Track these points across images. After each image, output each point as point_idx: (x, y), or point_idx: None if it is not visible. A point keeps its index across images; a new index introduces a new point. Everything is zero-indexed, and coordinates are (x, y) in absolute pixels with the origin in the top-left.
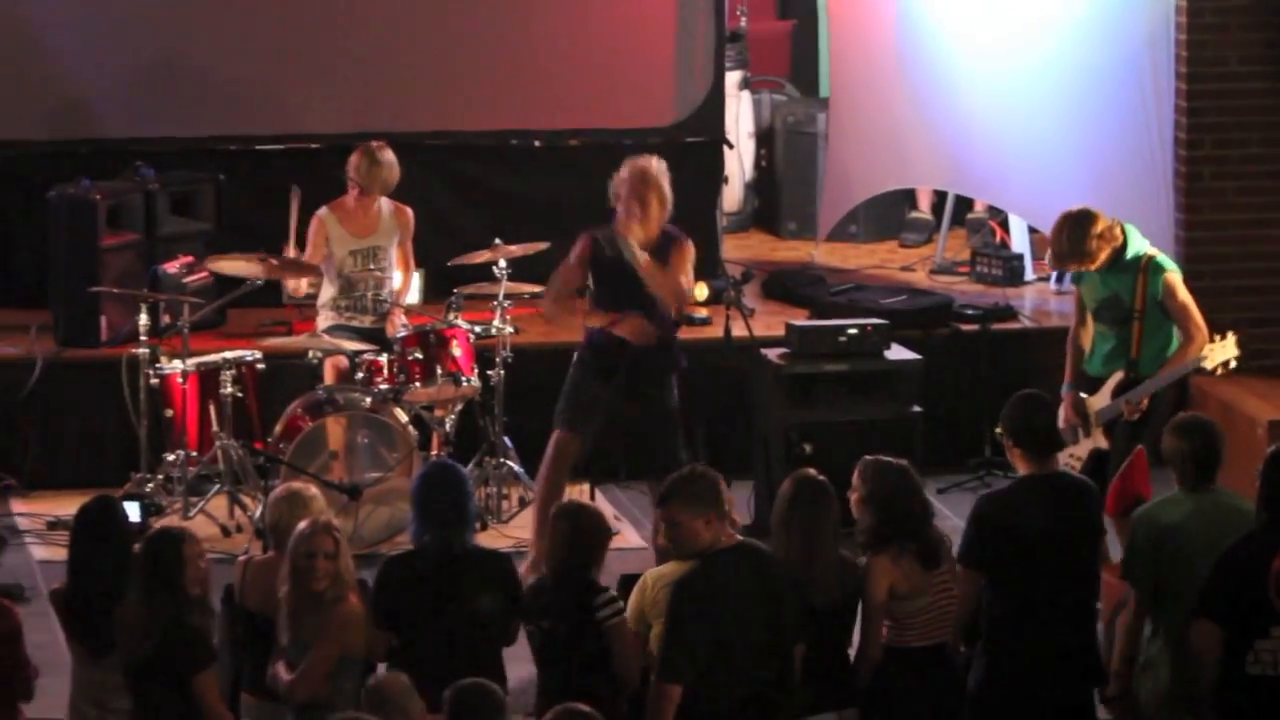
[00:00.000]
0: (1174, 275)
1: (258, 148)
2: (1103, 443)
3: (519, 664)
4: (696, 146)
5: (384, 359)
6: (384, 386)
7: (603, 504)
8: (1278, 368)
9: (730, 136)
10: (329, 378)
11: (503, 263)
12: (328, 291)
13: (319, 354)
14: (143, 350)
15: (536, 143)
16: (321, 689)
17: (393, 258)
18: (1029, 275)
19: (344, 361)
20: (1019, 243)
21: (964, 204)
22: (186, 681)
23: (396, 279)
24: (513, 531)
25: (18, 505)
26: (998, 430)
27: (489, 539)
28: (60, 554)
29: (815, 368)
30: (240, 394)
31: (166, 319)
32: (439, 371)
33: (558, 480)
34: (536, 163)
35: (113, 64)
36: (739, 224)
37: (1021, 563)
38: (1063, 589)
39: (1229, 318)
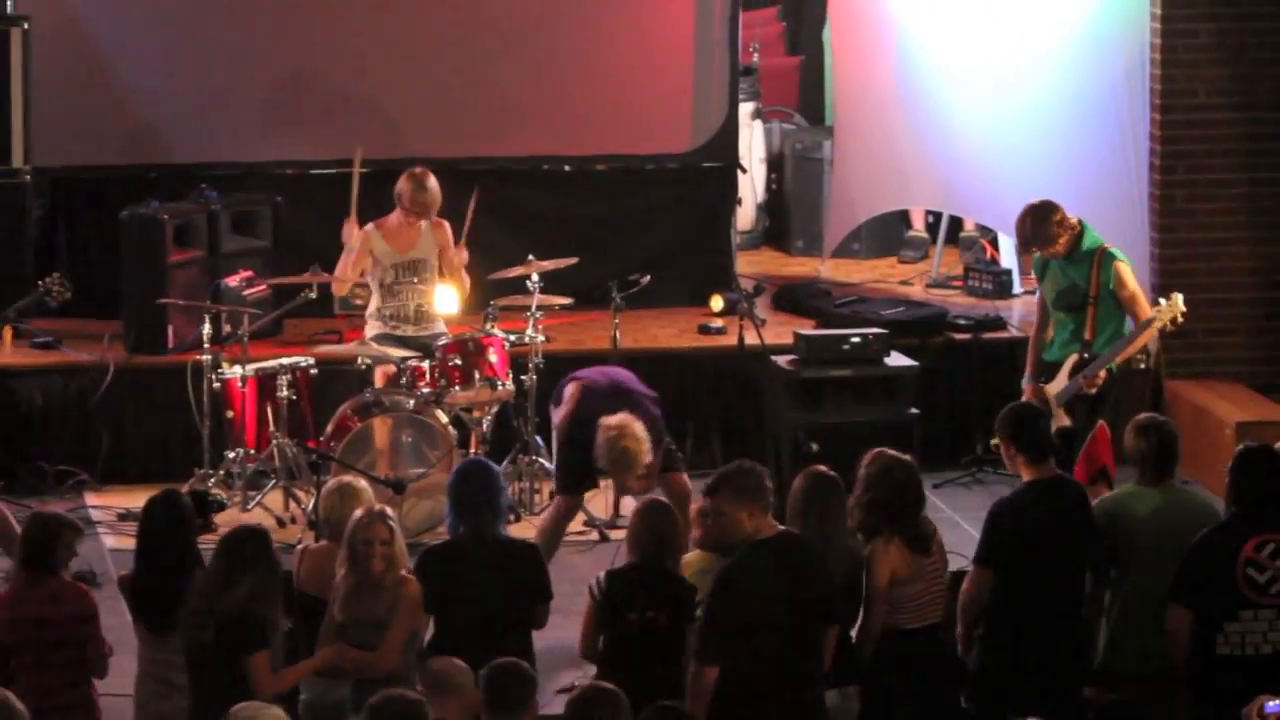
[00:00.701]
0: (1124, 265)
1: (311, 171)
2: (1065, 421)
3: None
4: (712, 171)
5: (426, 365)
6: (426, 390)
7: (625, 500)
8: (1243, 374)
9: (743, 162)
10: (376, 382)
11: (535, 277)
12: (374, 302)
13: (367, 360)
14: (206, 357)
15: (566, 167)
16: (402, 664)
17: (433, 270)
18: (1017, 289)
19: (390, 367)
20: (1007, 259)
21: (956, 223)
22: (241, 662)
23: (443, 293)
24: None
25: (91, 498)
26: (994, 442)
27: (521, 530)
28: (129, 543)
29: (821, 373)
30: (295, 397)
31: (228, 328)
32: (477, 376)
33: (558, 536)
34: (566, 185)
35: (179, 95)
36: (751, 242)
37: (1027, 559)
38: (1060, 581)
39: (1199, 327)
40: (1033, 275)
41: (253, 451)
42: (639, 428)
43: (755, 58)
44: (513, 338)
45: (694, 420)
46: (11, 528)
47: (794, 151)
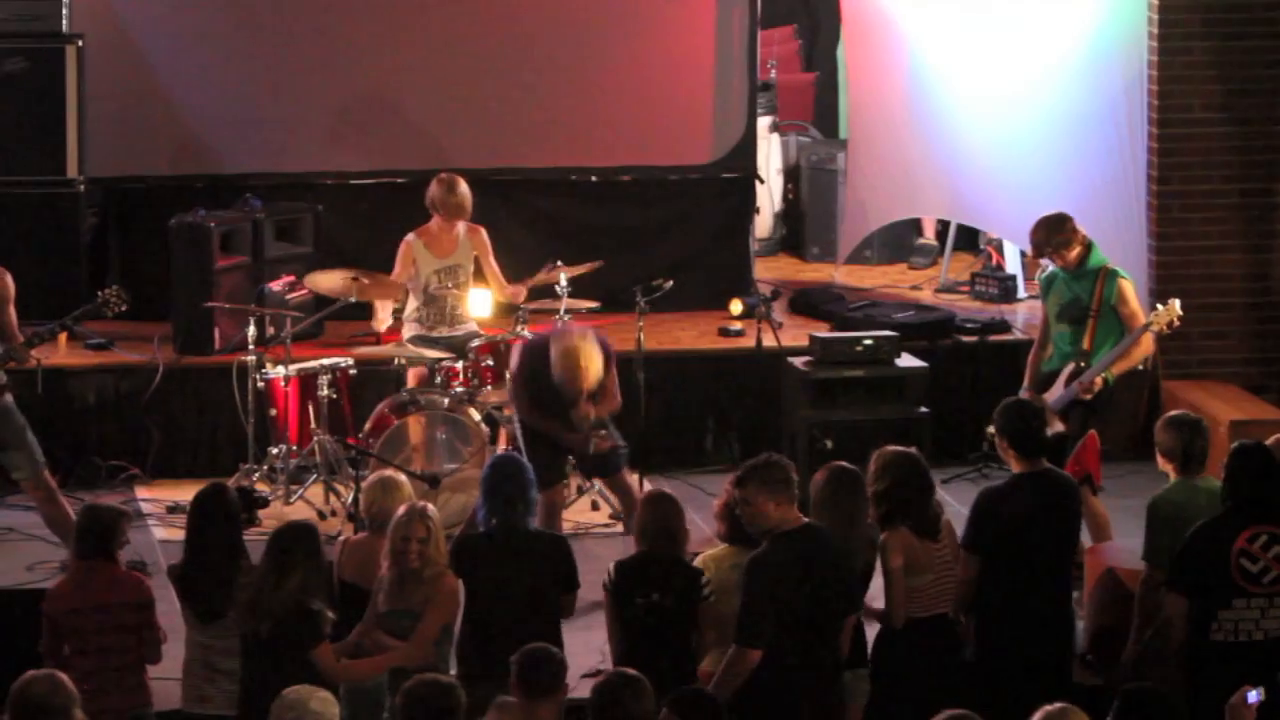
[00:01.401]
0: (1127, 283)
1: (351, 181)
2: (1059, 427)
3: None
4: (732, 181)
5: (460, 365)
6: (460, 389)
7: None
8: (1235, 375)
9: (761, 173)
10: (412, 381)
11: (563, 281)
12: (413, 305)
13: (403, 360)
14: (251, 358)
15: (593, 178)
16: (432, 654)
17: (469, 275)
18: (1021, 293)
19: (424, 368)
20: (1012, 265)
21: (965, 231)
22: (304, 655)
23: (479, 296)
24: (571, 515)
25: (142, 492)
26: (989, 430)
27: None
28: (178, 534)
29: (835, 373)
30: (335, 395)
31: (271, 330)
32: (508, 376)
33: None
34: (592, 195)
35: (225, 109)
36: (769, 249)
37: (1013, 547)
38: (1046, 569)
39: (1194, 330)
40: (1036, 282)
41: (295, 447)
42: (589, 339)
43: (773, 74)
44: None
45: (714, 418)
46: (70, 519)
47: (809, 163)
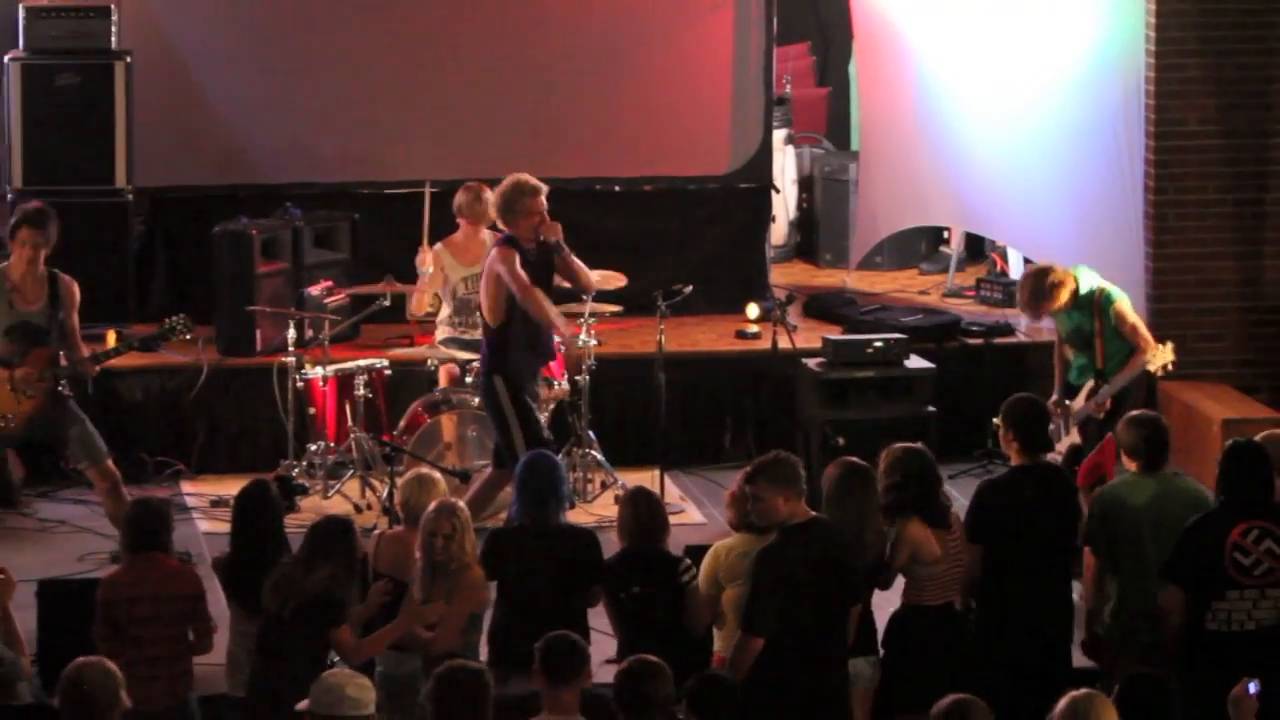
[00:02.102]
0: (1122, 303)
1: (385, 191)
2: (1077, 439)
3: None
4: (749, 191)
5: None
6: None
7: (670, 487)
8: (1228, 376)
9: (777, 183)
10: (444, 381)
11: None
12: (444, 310)
13: (436, 362)
14: (291, 358)
15: (616, 188)
16: (457, 643)
17: None
18: None
19: (456, 368)
20: (1016, 271)
21: (971, 239)
22: (321, 637)
23: None
24: (596, 509)
25: (186, 486)
26: (995, 421)
27: (575, 516)
28: (221, 527)
29: (847, 374)
30: (371, 395)
31: (310, 333)
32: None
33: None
34: (616, 204)
35: (267, 122)
36: (784, 255)
37: (1013, 536)
38: (1045, 557)
39: (1191, 333)
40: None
41: (333, 444)
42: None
43: (788, 89)
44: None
45: (732, 416)
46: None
47: (823, 174)
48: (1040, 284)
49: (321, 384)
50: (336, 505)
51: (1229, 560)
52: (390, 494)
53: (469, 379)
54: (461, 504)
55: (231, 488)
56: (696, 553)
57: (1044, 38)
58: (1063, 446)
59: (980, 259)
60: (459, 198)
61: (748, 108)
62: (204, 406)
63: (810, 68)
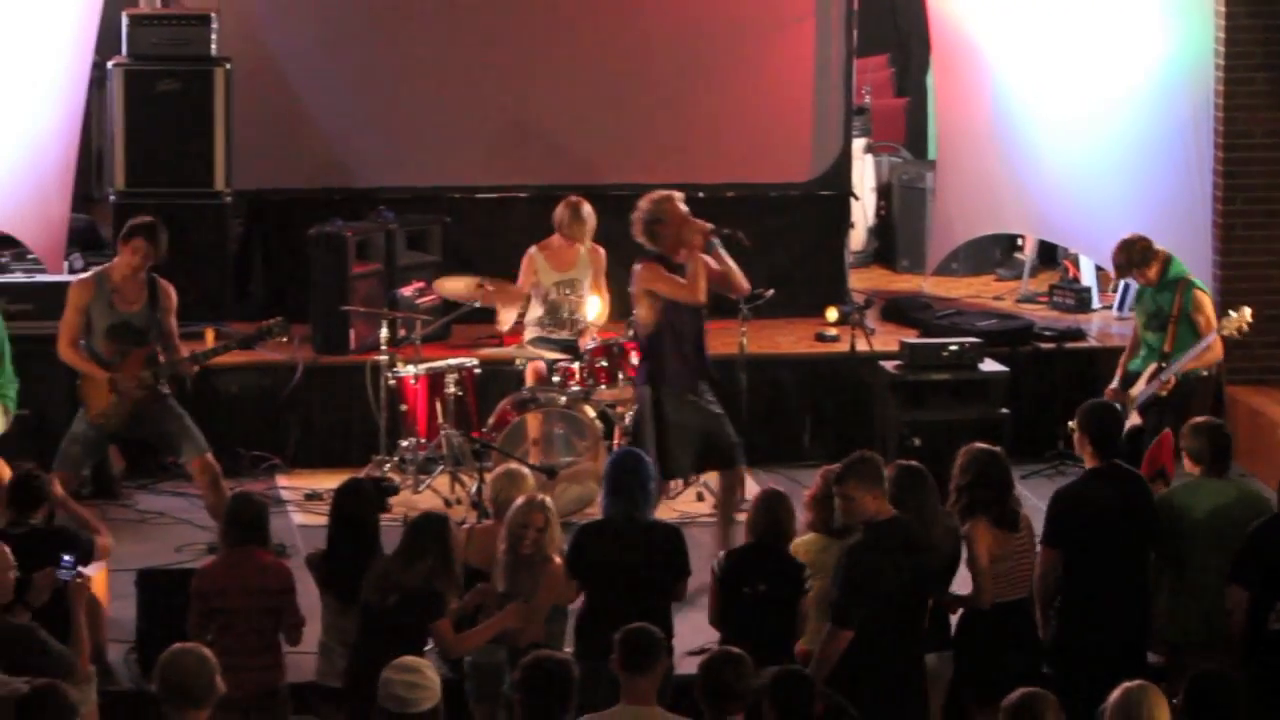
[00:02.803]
0: (1202, 293)
1: (476, 196)
2: (1138, 421)
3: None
4: (829, 199)
5: (576, 366)
6: (576, 388)
7: (751, 485)
8: None
9: (856, 191)
10: (531, 380)
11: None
12: (535, 312)
13: (524, 361)
14: (383, 357)
15: (701, 194)
16: (541, 633)
17: (587, 287)
18: (1095, 304)
19: (544, 367)
20: (1088, 277)
21: (1045, 246)
22: (422, 628)
23: (594, 304)
24: (679, 506)
25: (282, 480)
26: (1070, 425)
27: (659, 512)
28: (315, 520)
29: (923, 377)
30: (461, 393)
31: (402, 332)
32: (620, 377)
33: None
34: (700, 210)
35: (361, 127)
36: (862, 261)
37: (1089, 540)
38: (1123, 558)
39: (1258, 340)
40: (1111, 294)
41: (423, 440)
42: None
43: (867, 99)
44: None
45: (811, 416)
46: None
47: (900, 182)
48: (1137, 249)
49: (413, 382)
50: (426, 500)
51: None
52: (479, 489)
53: (556, 378)
54: (549, 499)
55: (325, 482)
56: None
57: (1116, 52)
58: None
59: (1053, 266)
60: (559, 212)
61: (828, 117)
62: (299, 403)
63: (889, 79)
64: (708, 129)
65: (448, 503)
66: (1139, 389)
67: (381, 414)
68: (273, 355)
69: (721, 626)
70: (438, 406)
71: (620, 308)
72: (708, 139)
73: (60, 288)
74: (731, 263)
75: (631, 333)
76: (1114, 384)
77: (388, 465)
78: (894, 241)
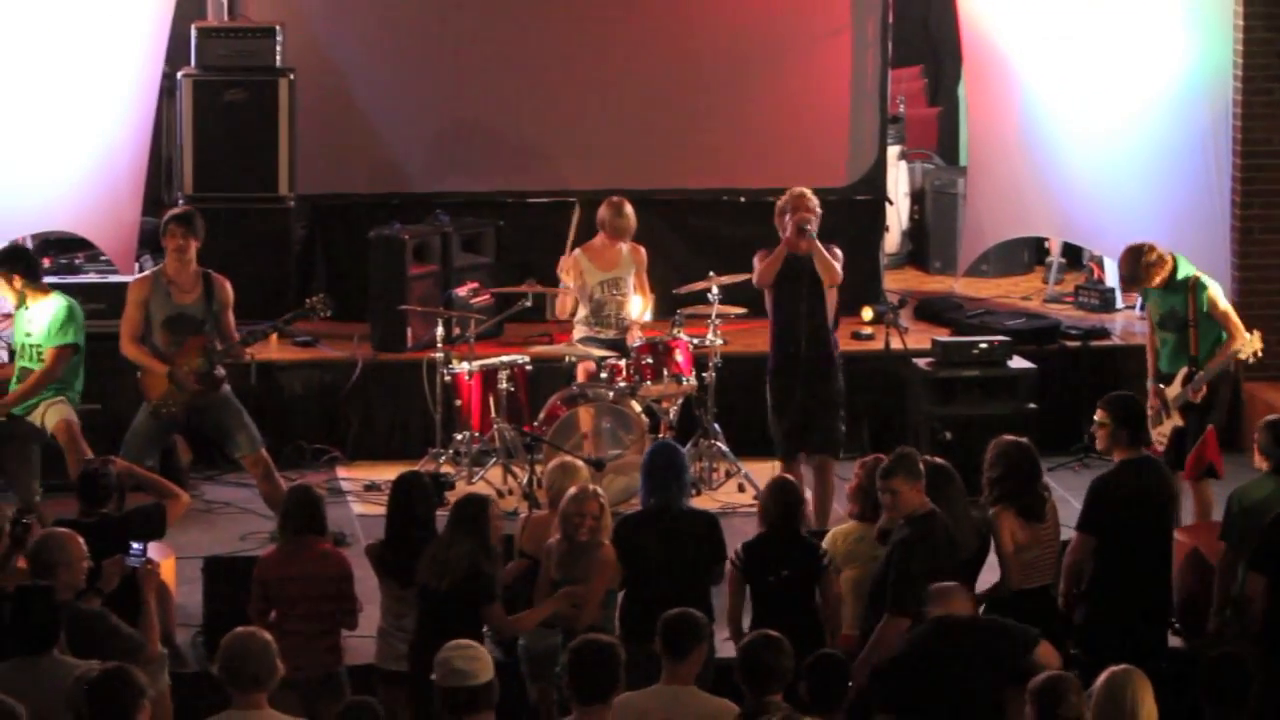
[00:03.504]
0: (1214, 290)
1: (528, 200)
2: (1179, 421)
3: None
4: (864, 203)
5: (623, 363)
6: (623, 384)
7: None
8: None
9: (890, 196)
10: (581, 377)
11: (715, 290)
12: (581, 311)
13: (574, 358)
14: (439, 354)
15: (742, 199)
16: (599, 616)
17: (631, 285)
18: (1119, 304)
19: (592, 364)
20: (1112, 279)
21: (1071, 249)
22: (477, 611)
23: (636, 303)
24: (720, 496)
25: (342, 472)
26: (1097, 419)
27: (701, 502)
28: (373, 510)
29: (955, 373)
30: (513, 388)
31: (457, 331)
32: (666, 373)
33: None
34: (742, 213)
35: (418, 135)
36: (896, 263)
37: (1123, 527)
38: (1148, 545)
39: (1273, 338)
40: (1134, 294)
41: (477, 434)
42: None
43: (901, 108)
44: (696, 341)
45: (847, 411)
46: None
47: (933, 187)
48: (1139, 260)
49: (467, 378)
50: (480, 490)
51: None
52: (530, 480)
53: (603, 375)
54: (600, 489)
55: (383, 474)
56: (814, 539)
57: (1139, 64)
58: (1165, 429)
59: (1079, 268)
60: (602, 212)
61: (864, 125)
62: (358, 398)
63: (922, 89)
64: (750, 136)
65: (500, 493)
66: (1175, 390)
67: (437, 409)
68: (333, 353)
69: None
70: (491, 401)
71: (663, 306)
72: (750, 146)
73: None
74: (824, 255)
75: (677, 330)
76: (1150, 380)
77: (443, 458)
78: (927, 244)
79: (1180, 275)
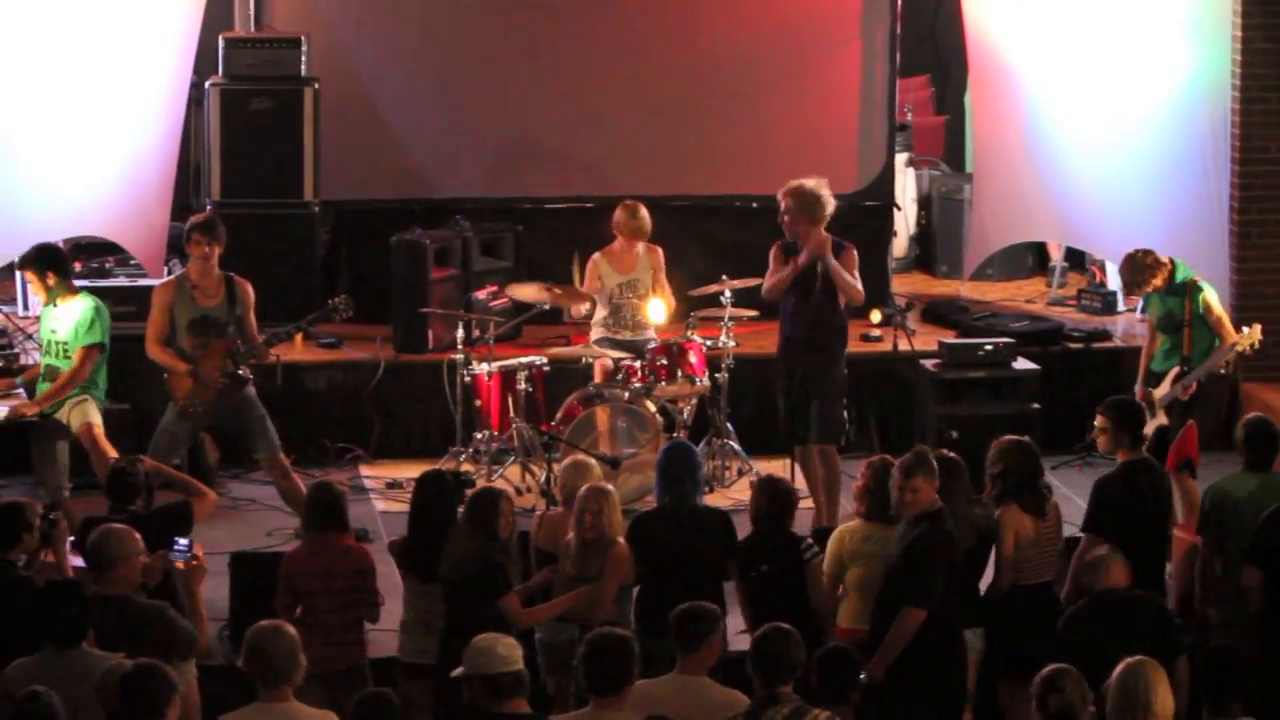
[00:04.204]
0: (1210, 294)
1: (546, 206)
2: (1164, 420)
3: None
4: (873, 209)
5: (639, 364)
6: (638, 384)
7: (798, 475)
8: None
9: (898, 201)
10: (598, 377)
11: (728, 293)
12: (600, 313)
13: (590, 359)
14: (459, 355)
15: (754, 204)
16: (614, 611)
17: (648, 287)
18: (1121, 307)
19: (609, 365)
20: (1114, 282)
21: (1073, 253)
22: (492, 602)
23: (657, 305)
24: (732, 494)
25: (365, 470)
26: (1097, 423)
27: (714, 500)
28: (396, 507)
29: (961, 374)
30: (531, 389)
31: (477, 333)
32: (680, 374)
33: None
34: (753, 218)
35: (439, 142)
36: (904, 266)
37: (1126, 526)
38: (1144, 541)
39: (1270, 340)
40: (1135, 297)
41: (496, 433)
42: None
43: (909, 116)
44: (709, 342)
45: (856, 411)
46: (302, 493)
47: (939, 193)
48: (1139, 265)
49: (486, 379)
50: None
51: None
52: (548, 478)
53: (619, 375)
54: (609, 485)
55: (405, 472)
56: (822, 536)
57: (1140, 73)
58: (1150, 429)
59: (1081, 272)
60: (618, 215)
61: (873, 133)
62: (381, 398)
63: (929, 98)
64: (762, 143)
65: (518, 491)
66: (1163, 390)
67: (457, 408)
68: (356, 354)
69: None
70: (509, 401)
71: (677, 309)
72: (762, 153)
73: None
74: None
75: (691, 332)
76: (1139, 383)
77: (463, 456)
78: (934, 249)
79: (1179, 278)
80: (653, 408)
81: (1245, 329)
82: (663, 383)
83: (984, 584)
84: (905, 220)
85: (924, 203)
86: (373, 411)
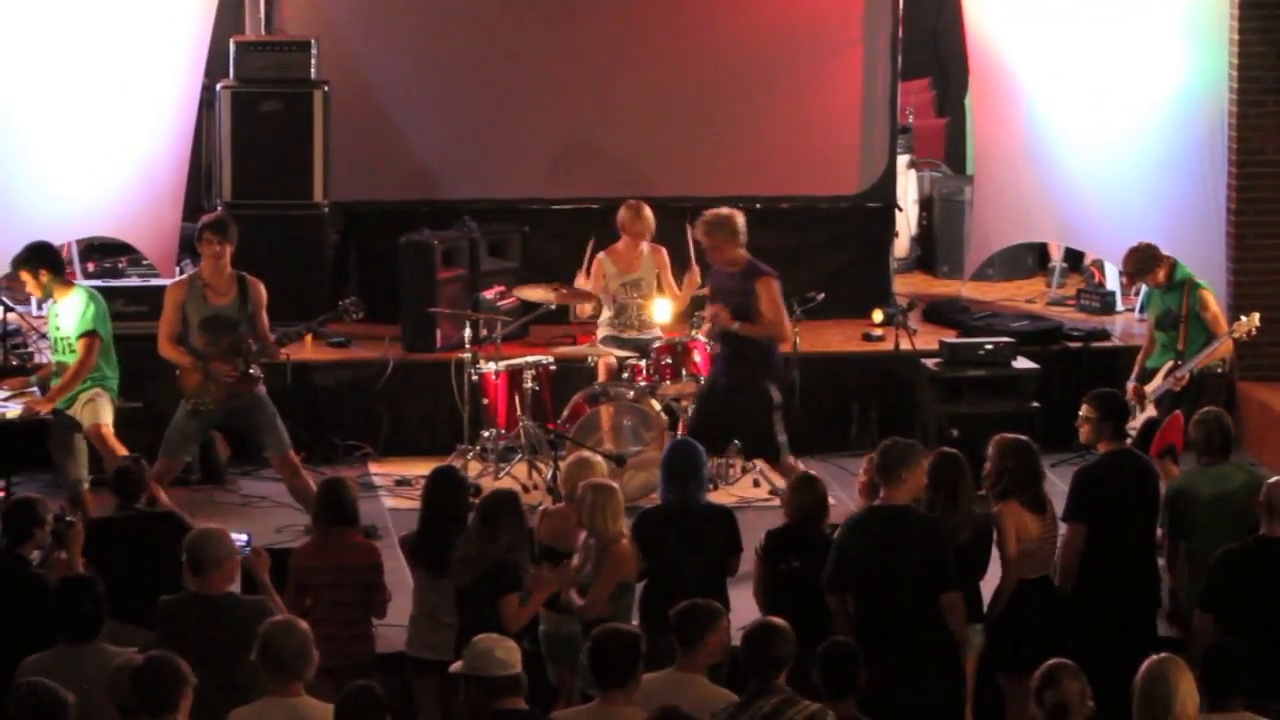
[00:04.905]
0: (1207, 292)
1: (553, 207)
2: (1153, 413)
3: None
4: (875, 210)
5: (643, 363)
6: (643, 383)
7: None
8: None
9: (900, 203)
10: (603, 375)
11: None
12: (605, 313)
13: (596, 358)
14: (467, 355)
15: (757, 205)
16: (606, 609)
17: (652, 287)
18: (1119, 307)
19: (614, 364)
20: (1112, 282)
21: (1072, 254)
22: (496, 601)
23: (663, 304)
24: (736, 491)
25: (374, 467)
26: (1081, 412)
27: (718, 497)
28: (404, 504)
29: (961, 373)
30: (538, 387)
31: (484, 332)
32: (684, 373)
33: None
34: (756, 219)
35: (447, 144)
36: (906, 267)
37: (1108, 516)
38: (1135, 534)
39: (1265, 339)
40: (1132, 297)
41: (503, 431)
42: None
43: (910, 119)
44: (712, 342)
45: (858, 409)
46: (311, 490)
47: (941, 195)
48: (1146, 256)
49: (494, 377)
50: (506, 485)
51: None
52: (554, 475)
53: (624, 374)
54: (610, 483)
55: (414, 469)
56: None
57: (1139, 76)
58: (1138, 422)
59: (1080, 272)
60: (621, 214)
61: (875, 135)
62: (390, 397)
63: (931, 100)
64: (765, 146)
65: (525, 488)
66: (1156, 384)
67: (465, 407)
68: (366, 353)
69: (762, 599)
70: (516, 400)
71: (687, 307)
72: (765, 155)
73: None
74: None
75: (695, 331)
76: (1133, 380)
77: (470, 454)
78: (935, 249)
79: (1178, 277)
80: (657, 406)
81: (1243, 316)
82: (667, 381)
83: (984, 584)
84: (907, 221)
85: (925, 204)
86: (381, 410)
